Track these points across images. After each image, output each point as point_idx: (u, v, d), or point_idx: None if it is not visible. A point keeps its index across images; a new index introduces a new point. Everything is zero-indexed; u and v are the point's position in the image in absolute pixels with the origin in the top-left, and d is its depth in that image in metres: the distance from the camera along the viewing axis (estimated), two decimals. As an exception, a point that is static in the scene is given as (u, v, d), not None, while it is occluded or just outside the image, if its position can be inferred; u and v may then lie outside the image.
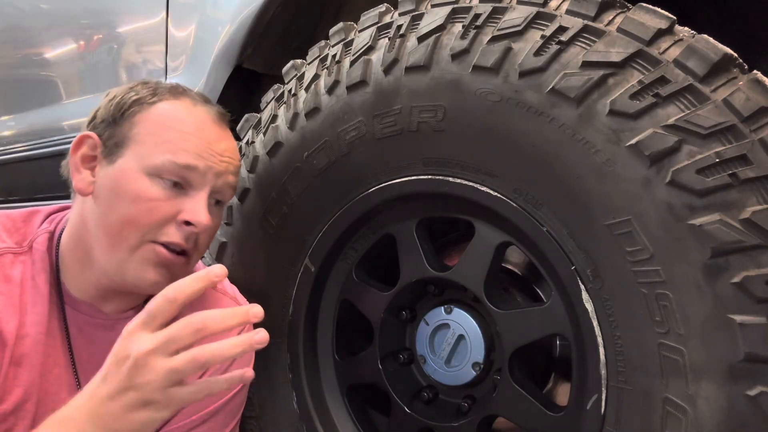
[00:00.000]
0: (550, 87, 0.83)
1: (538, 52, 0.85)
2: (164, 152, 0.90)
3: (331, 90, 1.07)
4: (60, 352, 0.95)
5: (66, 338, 0.96)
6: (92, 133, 0.94)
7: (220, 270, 0.73)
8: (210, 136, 0.94)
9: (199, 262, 1.11)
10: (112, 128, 0.93)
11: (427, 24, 0.97)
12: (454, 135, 0.94)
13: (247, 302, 1.11)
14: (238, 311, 0.73)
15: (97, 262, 0.92)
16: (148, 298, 1.01)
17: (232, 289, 1.12)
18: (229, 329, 0.72)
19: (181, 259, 0.93)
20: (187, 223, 0.91)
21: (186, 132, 0.92)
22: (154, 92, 0.95)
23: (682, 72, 0.78)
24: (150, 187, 0.89)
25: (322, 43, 1.18)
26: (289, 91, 1.17)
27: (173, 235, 0.90)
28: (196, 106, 0.96)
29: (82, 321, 0.96)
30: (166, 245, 0.91)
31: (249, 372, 0.76)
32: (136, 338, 0.71)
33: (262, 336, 0.71)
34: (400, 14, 1.05)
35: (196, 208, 0.91)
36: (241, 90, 1.53)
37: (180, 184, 0.91)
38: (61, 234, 0.98)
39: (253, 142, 1.21)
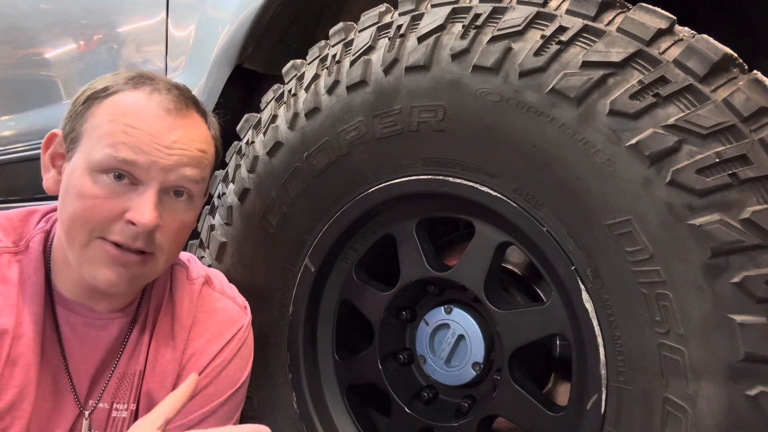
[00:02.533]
0: (550, 87, 0.83)
1: (538, 52, 0.85)
2: (104, 147, 0.86)
3: (331, 90, 1.07)
4: (53, 353, 0.95)
5: (58, 338, 0.96)
6: (58, 131, 0.92)
7: (194, 379, 0.87)
8: (157, 127, 0.87)
9: (193, 262, 1.11)
10: (72, 123, 0.90)
11: (427, 24, 0.97)
12: (454, 135, 0.94)
13: (246, 301, 1.11)
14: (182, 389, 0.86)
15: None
16: (140, 300, 1.01)
17: (231, 289, 1.12)
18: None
19: (135, 257, 0.89)
20: (133, 223, 0.87)
21: (128, 124, 0.86)
22: (114, 83, 0.90)
23: (682, 72, 0.78)
24: (92, 184, 0.86)
25: (322, 43, 1.18)
26: (289, 91, 1.17)
27: (119, 234, 0.87)
28: (151, 95, 0.90)
29: (74, 321, 0.96)
30: (115, 243, 0.87)
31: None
32: None
33: None
34: (400, 14, 1.05)
35: (141, 206, 0.86)
36: (241, 90, 1.53)
37: (127, 179, 0.87)
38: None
39: (253, 142, 1.20)
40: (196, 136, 0.92)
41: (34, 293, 0.92)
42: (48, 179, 0.93)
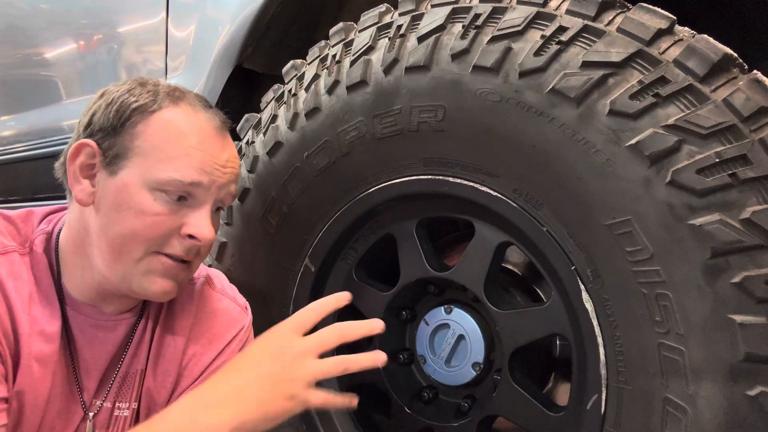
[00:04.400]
0: (550, 87, 0.83)
1: (538, 52, 0.85)
2: (169, 169, 0.88)
3: (331, 90, 1.07)
4: (61, 354, 0.95)
5: (67, 339, 0.96)
6: (90, 141, 0.91)
7: (347, 297, 0.89)
8: (213, 148, 0.92)
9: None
10: (113, 138, 0.90)
11: (427, 24, 0.97)
12: (454, 135, 0.94)
13: (246, 302, 1.11)
14: (365, 324, 0.87)
15: (99, 270, 0.92)
16: (146, 300, 1.01)
17: (232, 290, 1.12)
18: (361, 337, 0.86)
19: (184, 266, 0.93)
20: (191, 236, 0.90)
21: (190, 146, 0.90)
22: (154, 98, 0.92)
23: (682, 72, 0.78)
24: (153, 202, 0.88)
25: (322, 43, 1.18)
26: (289, 91, 1.17)
27: (176, 247, 0.91)
28: (197, 113, 0.94)
29: (83, 322, 0.96)
30: (169, 256, 0.91)
31: (381, 356, 0.86)
32: (290, 339, 0.83)
33: (384, 357, 0.85)
34: (400, 14, 1.05)
35: (200, 222, 0.91)
36: (241, 90, 1.53)
37: (183, 197, 0.90)
38: (59, 235, 0.98)
39: (253, 142, 1.20)
40: (235, 153, 0.98)
41: (45, 294, 0.93)
42: (81, 191, 0.92)
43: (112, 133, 0.90)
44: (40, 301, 0.92)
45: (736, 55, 0.78)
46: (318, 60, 1.14)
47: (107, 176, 0.90)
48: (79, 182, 0.92)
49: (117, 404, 1.00)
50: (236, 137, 1.31)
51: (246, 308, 1.10)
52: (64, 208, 1.01)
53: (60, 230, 0.98)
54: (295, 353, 0.82)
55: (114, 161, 0.90)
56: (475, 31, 0.92)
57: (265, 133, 1.17)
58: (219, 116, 0.96)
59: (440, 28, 0.95)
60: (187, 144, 0.90)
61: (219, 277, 1.12)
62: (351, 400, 0.88)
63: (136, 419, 1.01)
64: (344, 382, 1.20)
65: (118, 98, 0.92)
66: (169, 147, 0.89)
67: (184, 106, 0.93)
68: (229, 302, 1.08)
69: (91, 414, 0.98)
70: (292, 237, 1.16)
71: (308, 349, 0.82)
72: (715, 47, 0.78)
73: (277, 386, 0.81)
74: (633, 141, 0.78)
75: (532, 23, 0.88)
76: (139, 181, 0.88)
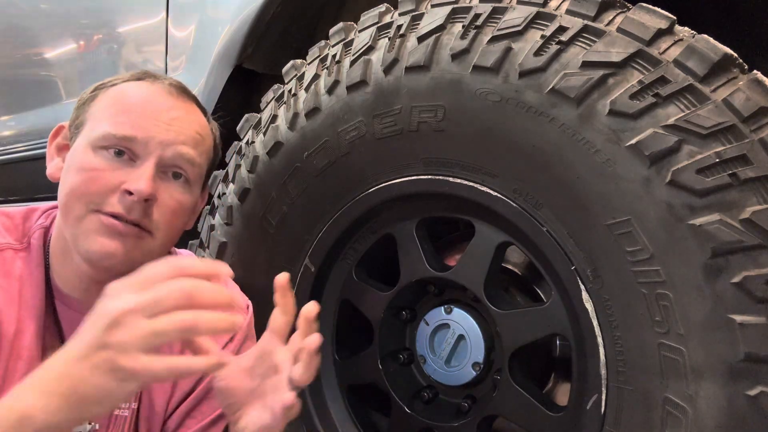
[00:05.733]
0: (550, 87, 0.83)
1: (538, 52, 0.85)
2: (105, 125, 0.90)
3: (331, 90, 1.07)
4: (55, 349, 0.95)
5: (59, 334, 0.96)
6: (65, 123, 0.97)
7: (226, 268, 0.71)
8: (156, 106, 0.92)
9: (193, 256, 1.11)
10: (76, 113, 0.96)
11: (427, 24, 0.97)
12: (454, 135, 0.94)
13: (248, 300, 1.11)
14: (226, 292, 0.68)
15: (69, 245, 0.93)
16: None
17: (232, 288, 1.11)
18: (218, 305, 0.66)
19: (132, 229, 0.89)
20: (130, 193, 0.88)
21: (129, 104, 0.92)
22: (119, 78, 0.97)
23: (682, 72, 0.78)
24: (93, 158, 0.90)
25: (322, 43, 1.18)
26: (289, 91, 1.17)
27: (115, 205, 0.88)
28: (154, 83, 0.96)
29: (74, 317, 0.96)
30: (112, 215, 0.88)
31: (223, 358, 0.73)
32: (119, 296, 0.66)
33: (235, 321, 0.67)
34: (400, 14, 1.05)
35: (138, 176, 0.88)
36: (241, 90, 1.53)
37: (126, 155, 0.90)
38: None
39: (253, 142, 1.20)
40: (194, 119, 0.97)
41: (36, 289, 0.93)
42: (51, 167, 0.97)
43: (77, 109, 0.96)
44: (29, 296, 0.92)
45: (736, 55, 0.78)
46: (318, 60, 1.14)
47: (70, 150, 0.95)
48: (53, 159, 0.98)
49: None
50: (236, 137, 1.31)
51: (247, 307, 1.10)
52: None
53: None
54: (115, 314, 0.63)
55: (74, 133, 0.95)
56: (475, 31, 0.92)
57: (265, 133, 1.17)
58: (181, 88, 0.97)
59: (440, 28, 0.95)
60: (127, 102, 0.92)
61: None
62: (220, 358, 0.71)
63: (136, 419, 1.01)
64: (344, 381, 1.20)
65: (96, 85, 0.98)
66: (111, 107, 0.93)
67: (147, 80, 0.96)
68: None
69: None
70: (292, 237, 1.16)
71: (132, 308, 0.63)
72: (715, 47, 0.78)
73: (88, 359, 0.64)
74: (633, 141, 0.78)
75: (532, 23, 0.88)
76: (85, 142, 0.92)
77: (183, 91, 0.98)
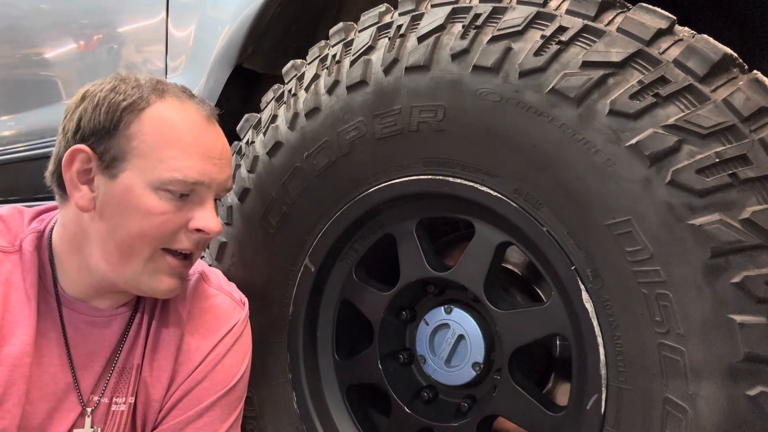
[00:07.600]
0: (550, 87, 0.83)
1: (538, 52, 0.85)
2: (171, 169, 0.89)
3: (331, 90, 1.07)
4: (55, 352, 0.95)
5: (63, 337, 0.96)
6: (84, 147, 0.89)
7: None
8: (208, 141, 0.94)
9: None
10: (107, 141, 0.89)
11: (427, 24, 0.97)
12: (454, 135, 0.94)
13: (244, 297, 1.12)
14: None
15: (101, 271, 0.93)
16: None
17: (228, 285, 1.12)
18: None
19: (187, 263, 0.97)
20: (198, 230, 0.93)
21: (188, 144, 0.91)
22: (140, 95, 0.91)
23: (682, 72, 0.78)
24: (159, 201, 0.89)
25: (322, 43, 1.18)
26: (289, 91, 1.17)
27: (184, 242, 0.93)
28: (184, 104, 0.94)
29: (77, 319, 0.97)
30: (176, 252, 0.94)
31: None
32: None
33: None
34: (400, 14, 1.05)
35: (207, 216, 0.93)
36: (241, 90, 1.53)
37: (186, 194, 0.92)
38: (51, 234, 0.98)
39: (253, 142, 1.20)
40: (227, 146, 1.00)
41: (27, 293, 0.93)
42: (81, 197, 0.90)
43: (106, 136, 0.89)
44: (19, 301, 0.92)
45: (736, 55, 0.78)
46: (318, 60, 1.14)
47: (107, 180, 0.89)
48: (78, 189, 0.91)
49: (114, 399, 1.00)
50: (236, 137, 1.31)
51: (243, 303, 1.10)
52: (54, 207, 1.01)
53: (52, 229, 0.98)
54: None
55: (112, 164, 0.89)
56: (475, 31, 0.92)
57: (265, 133, 1.17)
58: (205, 105, 0.98)
59: (440, 28, 0.95)
60: (184, 142, 0.91)
61: (215, 274, 1.13)
62: None
63: (133, 414, 1.02)
64: (344, 381, 1.20)
65: (104, 99, 0.90)
66: (167, 146, 0.90)
67: (171, 99, 0.94)
68: (224, 297, 1.09)
69: (89, 409, 0.98)
70: (292, 237, 1.16)
71: None
72: (715, 47, 0.78)
73: None
74: (633, 141, 0.78)
75: (532, 23, 0.88)
76: (142, 182, 0.89)
77: (213, 112, 0.98)
